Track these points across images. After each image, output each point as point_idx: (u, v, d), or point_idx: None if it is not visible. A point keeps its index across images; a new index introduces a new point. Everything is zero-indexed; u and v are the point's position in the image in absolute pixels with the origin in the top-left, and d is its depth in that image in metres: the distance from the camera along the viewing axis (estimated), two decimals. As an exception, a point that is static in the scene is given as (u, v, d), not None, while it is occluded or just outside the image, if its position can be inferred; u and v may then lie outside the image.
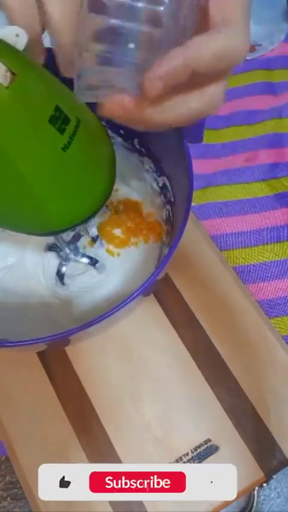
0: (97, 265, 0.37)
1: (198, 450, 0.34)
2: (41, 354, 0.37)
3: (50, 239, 0.39)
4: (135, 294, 0.25)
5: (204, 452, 0.34)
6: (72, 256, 0.37)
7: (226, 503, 0.33)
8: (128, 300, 0.25)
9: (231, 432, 0.34)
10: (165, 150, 0.34)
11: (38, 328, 0.36)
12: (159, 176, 0.38)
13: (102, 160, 0.26)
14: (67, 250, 0.37)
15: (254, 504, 0.36)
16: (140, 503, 0.32)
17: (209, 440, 0.34)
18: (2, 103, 0.18)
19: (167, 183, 0.36)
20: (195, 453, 0.34)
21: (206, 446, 0.34)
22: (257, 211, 0.45)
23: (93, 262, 0.37)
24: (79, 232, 0.38)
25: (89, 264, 0.38)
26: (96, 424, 0.35)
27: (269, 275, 0.42)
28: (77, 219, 0.26)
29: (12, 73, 0.19)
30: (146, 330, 0.37)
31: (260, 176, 0.47)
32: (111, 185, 0.27)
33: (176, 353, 0.37)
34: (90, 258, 0.38)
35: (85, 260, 0.38)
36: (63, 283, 0.37)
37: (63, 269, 0.37)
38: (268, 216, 0.45)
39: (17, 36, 0.20)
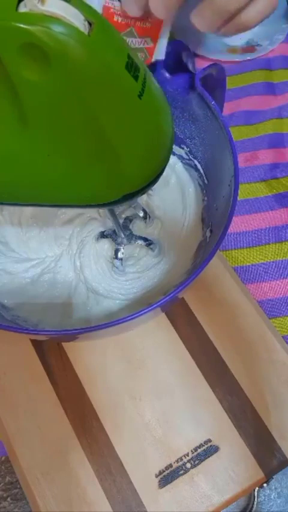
0: (152, 245, 0.37)
1: (198, 450, 0.34)
2: (41, 355, 0.37)
3: (100, 228, 0.39)
4: (150, 308, 0.26)
5: (204, 453, 0.34)
6: (125, 241, 0.37)
7: (226, 503, 0.33)
8: (137, 314, 0.26)
9: (231, 432, 0.34)
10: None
11: (62, 318, 0.36)
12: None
13: (167, 109, 0.25)
14: (122, 235, 0.36)
15: (254, 504, 0.36)
16: (140, 503, 0.32)
17: (209, 441, 0.34)
18: (86, 51, 0.19)
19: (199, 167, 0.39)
20: (195, 453, 0.34)
21: (206, 446, 0.34)
22: (256, 211, 0.45)
23: (149, 243, 0.37)
24: (130, 217, 0.38)
25: (146, 245, 0.37)
26: (96, 424, 0.35)
27: (269, 275, 0.42)
28: (150, 176, 0.25)
29: (89, 23, 0.19)
30: (146, 330, 0.37)
31: (260, 177, 0.47)
32: (173, 141, 0.26)
33: (175, 353, 0.37)
34: (145, 239, 0.37)
35: (140, 242, 0.37)
36: (123, 267, 0.37)
37: (120, 253, 0.37)
38: (268, 216, 0.45)
39: None
